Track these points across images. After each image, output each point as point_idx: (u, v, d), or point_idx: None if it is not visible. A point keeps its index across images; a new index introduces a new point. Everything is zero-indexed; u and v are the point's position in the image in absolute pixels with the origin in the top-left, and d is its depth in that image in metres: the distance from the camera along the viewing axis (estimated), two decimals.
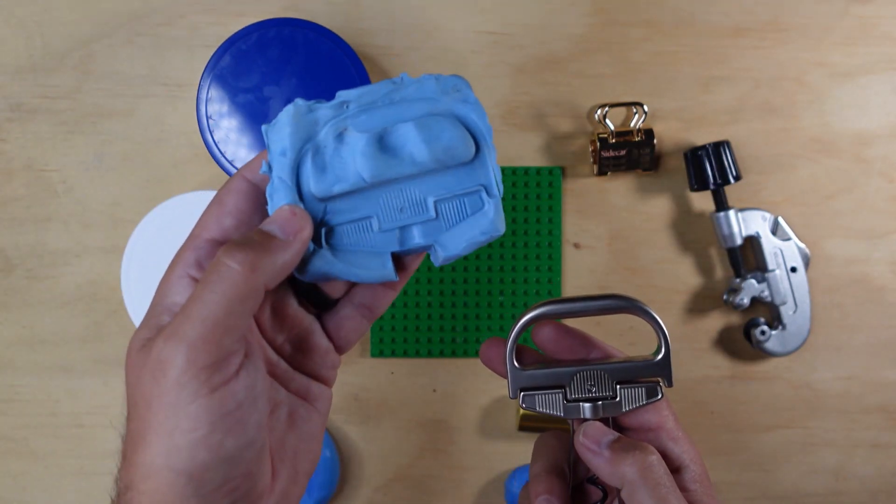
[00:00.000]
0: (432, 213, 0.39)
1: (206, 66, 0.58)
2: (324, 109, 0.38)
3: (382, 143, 0.38)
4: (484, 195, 0.39)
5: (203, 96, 0.58)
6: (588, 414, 0.42)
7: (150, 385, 0.35)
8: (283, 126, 0.38)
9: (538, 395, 0.41)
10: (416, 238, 0.39)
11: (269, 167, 0.38)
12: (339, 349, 0.43)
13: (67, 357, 0.63)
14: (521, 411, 0.61)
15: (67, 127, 0.62)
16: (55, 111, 0.62)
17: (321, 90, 0.59)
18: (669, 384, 0.43)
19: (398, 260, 0.40)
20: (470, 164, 0.39)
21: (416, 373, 0.63)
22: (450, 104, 0.39)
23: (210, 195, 0.57)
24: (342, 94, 0.39)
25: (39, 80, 0.62)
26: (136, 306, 0.58)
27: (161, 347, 0.35)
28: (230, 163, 0.58)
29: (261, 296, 0.36)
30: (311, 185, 0.38)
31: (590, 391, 0.41)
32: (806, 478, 0.64)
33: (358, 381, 0.63)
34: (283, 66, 0.58)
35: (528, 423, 0.61)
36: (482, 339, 0.62)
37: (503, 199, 0.42)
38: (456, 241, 0.39)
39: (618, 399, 0.42)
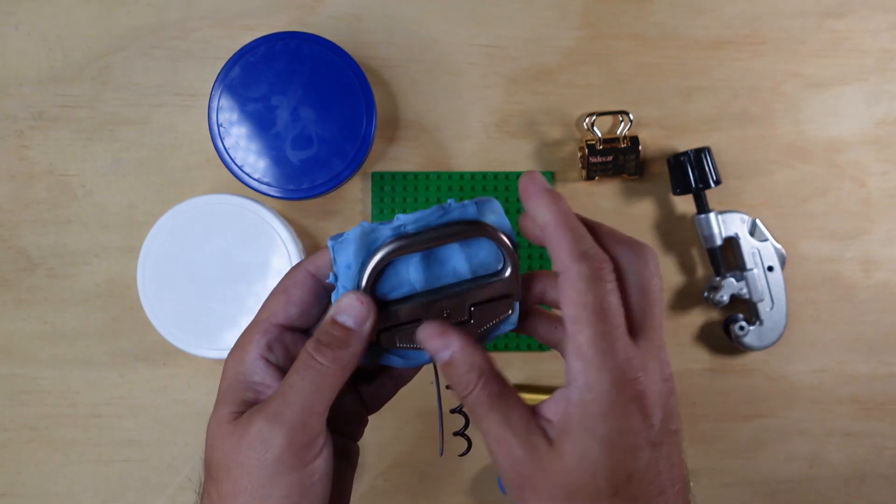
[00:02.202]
0: (467, 317, 0.43)
1: (217, 77, 0.59)
2: (384, 229, 0.42)
3: (431, 259, 0.42)
4: (511, 301, 0.43)
5: (214, 105, 0.59)
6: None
7: (249, 456, 0.39)
8: (350, 243, 0.41)
9: (396, 331, 0.42)
10: None
11: (336, 277, 0.41)
12: (370, 411, 0.47)
13: (86, 351, 0.63)
14: None
15: (87, 134, 0.63)
16: (75, 119, 0.62)
17: (326, 99, 0.59)
18: (517, 297, 0.43)
19: None
20: (501, 277, 0.43)
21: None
22: (487, 224, 0.43)
23: (221, 199, 0.58)
24: (400, 218, 0.42)
25: (60, 90, 0.62)
26: (151, 303, 0.58)
27: (262, 425, 0.39)
28: (240, 168, 0.59)
29: (343, 382, 0.40)
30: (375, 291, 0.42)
31: (443, 314, 0.42)
32: (782, 465, 0.65)
33: None
34: (290, 77, 0.59)
35: None
36: None
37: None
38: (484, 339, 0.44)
39: (475, 322, 0.43)
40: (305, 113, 0.59)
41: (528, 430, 0.40)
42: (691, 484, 0.64)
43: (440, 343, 0.41)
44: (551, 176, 0.64)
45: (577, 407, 0.38)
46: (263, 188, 0.59)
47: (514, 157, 0.64)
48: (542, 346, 0.64)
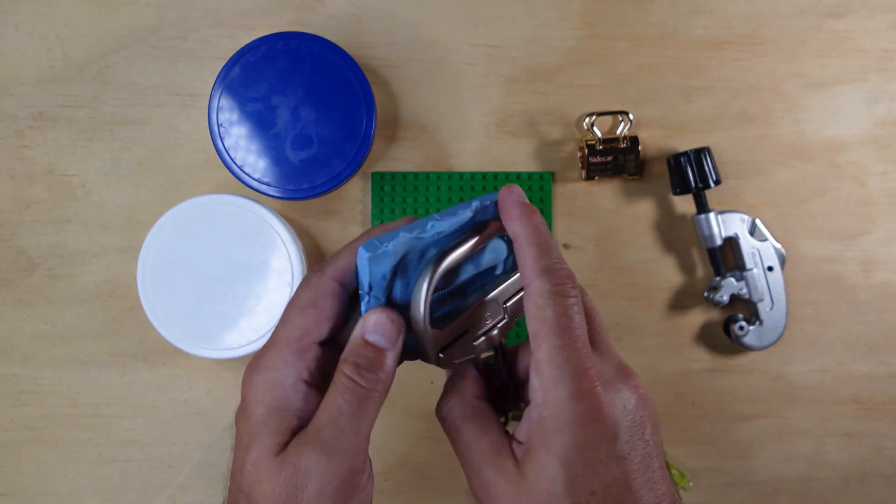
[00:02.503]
0: (506, 316, 0.44)
1: (217, 77, 0.59)
2: (424, 239, 0.41)
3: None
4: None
5: (214, 105, 0.59)
6: (485, 342, 0.43)
7: (307, 489, 0.37)
8: (389, 257, 0.40)
9: (450, 347, 0.42)
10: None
11: (370, 287, 0.40)
12: None
13: (86, 351, 0.63)
14: None
15: (86, 134, 0.63)
16: (75, 119, 0.62)
17: (326, 99, 0.59)
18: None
19: None
20: (506, 271, 0.44)
21: (415, 366, 0.61)
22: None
23: (221, 199, 0.58)
24: (437, 226, 0.41)
25: (60, 90, 0.62)
26: (151, 303, 0.58)
27: (319, 458, 0.38)
28: (240, 168, 0.59)
29: (383, 401, 0.40)
30: (398, 294, 0.41)
31: (486, 322, 0.43)
32: (782, 465, 0.65)
33: None
34: (290, 77, 0.59)
35: (521, 414, 0.63)
36: None
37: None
38: None
39: (510, 317, 0.43)
40: (305, 113, 0.59)
41: (497, 453, 0.40)
42: (691, 484, 0.64)
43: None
44: (551, 176, 0.64)
45: (536, 425, 0.38)
46: (263, 188, 0.60)
47: (514, 157, 0.64)
48: None
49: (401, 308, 0.41)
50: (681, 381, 0.64)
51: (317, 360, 0.40)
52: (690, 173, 0.61)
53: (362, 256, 0.40)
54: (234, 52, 0.59)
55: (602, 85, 0.63)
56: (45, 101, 0.63)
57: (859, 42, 0.64)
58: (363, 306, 0.41)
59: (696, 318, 0.64)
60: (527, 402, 0.41)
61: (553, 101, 0.63)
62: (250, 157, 0.59)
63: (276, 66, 0.59)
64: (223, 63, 0.60)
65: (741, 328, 0.62)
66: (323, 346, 0.41)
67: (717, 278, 0.63)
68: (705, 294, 0.64)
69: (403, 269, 0.41)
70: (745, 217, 0.63)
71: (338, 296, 0.41)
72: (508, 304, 0.44)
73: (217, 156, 0.61)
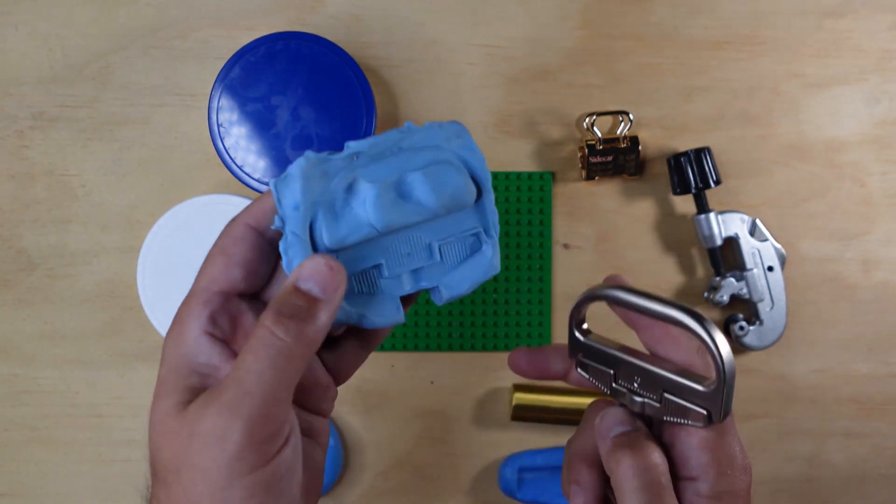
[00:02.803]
0: (437, 257, 0.39)
1: (217, 77, 0.58)
2: (335, 161, 0.37)
3: (393, 193, 0.37)
4: (483, 237, 0.39)
5: (214, 105, 0.59)
6: (633, 404, 0.38)
7: (202, 456, 0.33)
8: (295, 180, 0.36)
9: (591, 365, 0.39)
10: (423, 281, 0.39)
11: (282, 221, 0.36)
12: (338, 381, 0.41)
13: (86, 351, 0.63)
14: (514, 402, 0.62)
15: (87, 134, 0.63)
16: (75, 119, 0.62)
17: (326, 99, 0.59)
18: (715, 419, 0.36)
19: (401, 298, 0.40)
20: (471, 209, 0.39)
21: (415, 366, 0.64)
22: (453, 150, 0.39)
23: (221, 199, 0.57)
24: (352, 146, 0.37)
25: (60, 90, 0.62)
26: (151, 303, 0.58)
27: (216, 419, 0.33)
28: (240, 168, 0.59)
29: (308, 361, 0.35)
30: (325, 237, 0.36)
31: (634, 384, 0.38)
32: (782, 465, 0.65)
33: (360, 373, 0.60)
34: (290, 77, 0.59)
35: (521, 414, 0.62)
36: (477, 334, 0.63)
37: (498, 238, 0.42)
38: (460, 283, 0.39)
39: (661, 407, 0.37)
40: (305, 113, 0.59)
41: None
42: None
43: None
44: (551, 176, 0.64)
45: None
46: (263, 188, 0.59)
47: (514, 157, 0.64)
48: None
49: (335, 255, 0.37)
50: None
51: (225, 312, 0.36)
52: (690, 173, 0.61)
53: (270, 186, 0.36)
54: (234, 52, 0.59)
55: (602, 85, 0.63)
56: (45, 101, 0.63)
57: (859, 42, 0.64)
58: (281, 245, 0.36)
59: None
60: None
61: (553, 101, 0.63)
62: (250, 157, 0.59)
63: (276, 66, 0.59)
64: (223, 63, 0.60)
65: (741, 328, 0.62)
66: (238, 299, 0.37)
67: (717, 278, 0.63)
68: (705, 294, 0.64)
69: (329, 206, 0.37)
70: (745, 217, 0.63)
71: (250, 241, 0.37)
72: (444, 247, 0.39)
73: (217, 156, 0.61)
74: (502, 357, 0.64)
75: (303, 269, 0.35)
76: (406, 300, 0.40)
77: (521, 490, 0.63)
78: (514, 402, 0.63)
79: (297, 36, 0.59)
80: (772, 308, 0.62)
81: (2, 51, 0.62)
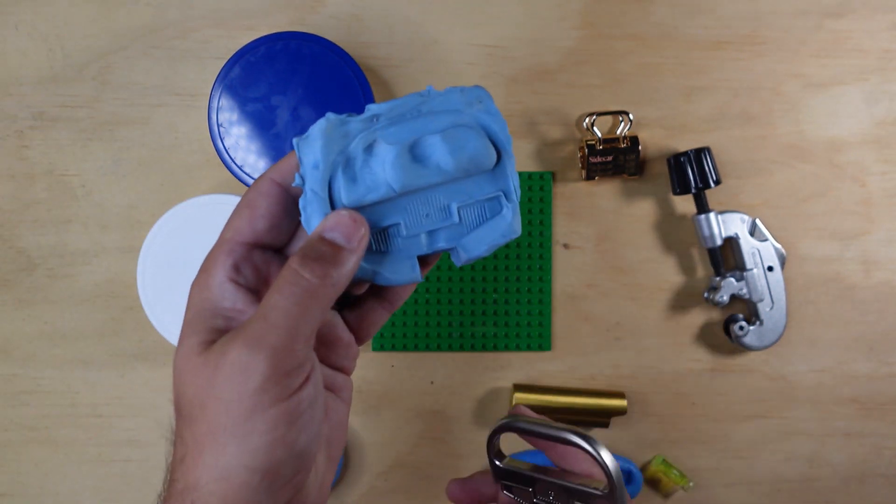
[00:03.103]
0: (456, 219, 0.39)
1: (217, 77, 0.58)
2: (354, 123, 0.38)
3: (411, 155, 0.38)
4: (503, 200, 0.40)
5: (214, 105, 0.59)
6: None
7: (226, 388, 0.34)
8: (315, 140, 0.37)
9: (514, 486, 0.43)
10: (441, 242, 0.39)
11: (302, 179, 0.37)
12: (360, 340, 0.42)
13: (86, 351, 0.63)
14: (514, 402, 0.62)
15: (87, 134, 0.63)
16: (75, 119, 0.62)
17: (326, 99, 0.59)
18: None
19: (420, 259, 0.40)
20: (491, 172, 0.39)
21: (415, 366, 0.64)
22: (474, 115, 0.39)
23: (221, 199, 0.57)
24: (372, 108, 0.38)
25: (60, 90, 0.62)
26: (151, 303, 0.58)
27: (241, 352, 0.34)
28: (240, 168, 0.58)
29: (331, 304, 0.36)
30: (343, 195, 0.37)
31: (549, 496, 0.42)
32: (782, 465, 0.65)
33: (360, 373, 0.64)
34: (290, 77, 0.59)
35: None
36: (477, 334, 0.64)
37: (519, 202, 0.42)
38: (477, 244, 0.40)
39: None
40: (305, 113, 0.59)
41: None
42: (691, 484, 0.65)
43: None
44: (551, 176, 0.64)
45: None
46: None
47: (515, 157, 0.63)
48: (541, 346, 0.64)
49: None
50: (681, 381, 0.65)
51: (249, 261, 0.38)
52: (690, 173, 0.61)
53: (293, 145, 0.38)
54: (234, 52, 0.59)
55: (602, 85, 0.64)
56: (45, 101, 0.63)
57: (859, 42, 0.64)
58: (301, 202, 0.38)
59: (696, 318, 0.65)
60: None
61: (553, 101, 0.63)
62: (250, 157, 0.59)
63: (276, 66, 0.59)
64: (223, 63, 0.60)
65: (741, 328, 0.62)
66: (263, 251, 0.38)
67: (717, 278, 0.63)
68: (705, 294, 0.64)
69: (349, 166, 0.38)
70: (746, 217, 0.63)
71: (274, 195, 0.38)
72: (463, 209, 0.39)
73: (217, 156, 0.61)
74: (502, 357, 0.64)
75: (327, 221, 0.37)
76: (425, 262, 0.41)
77: None
78: (514, 402, 0.63)
79: (297, 36, 0.59)
80: (772, 308, 0.62)
81: (2, 51, 0.62)
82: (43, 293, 0.63)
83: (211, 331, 0.36)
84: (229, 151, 0.59)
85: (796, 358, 0.65)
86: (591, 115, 0.61)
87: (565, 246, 0.64)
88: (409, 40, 0.63)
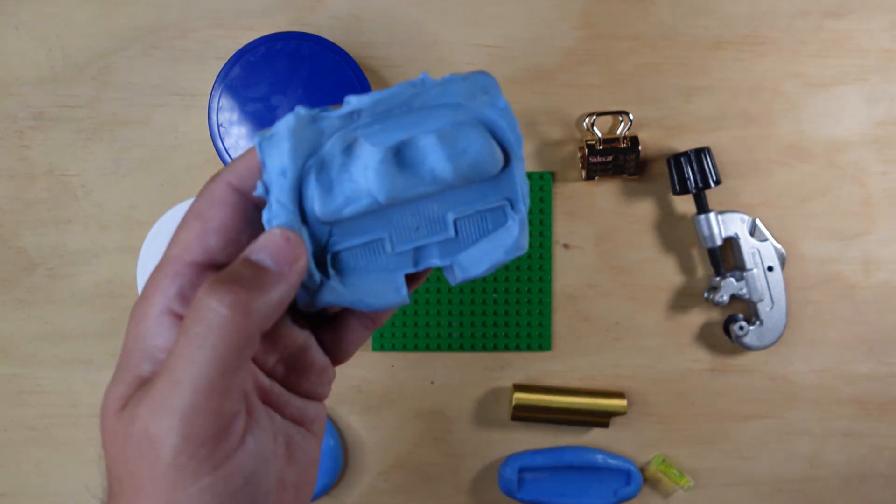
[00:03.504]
0: (451, 233, 0.33)
1: (217, 77, 0.58)
2: (330, 119, 0.31)
3: (399, 159, 0.31)
4: (509, 210, 0.33)
5: (214, 105, 0.59)
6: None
7: (138, 464, 0.28)
8: (282, 140, 0.30)
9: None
10: (433, 258, 0.34)
11: (266, 188, 0.31)
12: (337, 362, 0.36)
13: (87, 351, 0.63)
14: (514, 402, 0.62)
15: (87, 134, 0.63)
16: (75, 119, 0.62)
17: (326, 99, 0.58)
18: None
19: (408, 276, 0.35)
20: (495, 178, 0.33)
21: (415, 366, 0.64)
22: (477, 110, 0.33)
23: None
24: (352, 101, 0.31)
25: (60, 90, 0.62)
26: None
27: (147, 420, 0.28)
28: None
29: (257, 342, 0.29)
30: (316, 207, 0.31)
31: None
32: (782, 465, 0.65)
33: (360, 373, 0.64)
34: (290, 77, 0.59)
35: (521, 414, 0.63)
36: (476, 334, 0.63)
37: (528, 212, 0.35)
38: (476, 262, 0.34)
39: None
40: None
41: None
42: (691, 484, 0.65)
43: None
44: (551, 176, 0.64)
45: None
46: None
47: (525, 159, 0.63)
48: (541, 346, 0.64)
49: (321, 227, 0.31)
50: (681, 381, 0.65)
51: (197, 287, 0.30)
52: (690, 173, 0.61)
53: (255, 143, 0.30)
54: (234, 52, 0.59)
55: (602, 85, 0.64)
56: (45, 101, 0.63)
57: (859, 42, 0.64)
58: (264, 215, 0.31)
59: (696, 318, 0.64)
60: None
61: (553, 101, 0.63)
62: None
63: (276, 66, 0.59)
64: (223, 63, 0.60)
65: (741, 328, 0.62)
66: (216, 272, 0.31)
67: (717, 278, 0.63)
68: (705, 294, 0.64)
69: (324, 171, 0.31)
70: (746, 217, 0.63)
71: (231, 205, 0.31)
72: (461, 220, 0.33)
73: (217, 156, 0.61)
74: (502, 357, 0.64)
75: (257, 241, 0.30)
76: (413, 278, 0.35)
77: (521, 490, 0.63)
78: (514, 402, 0.63)
79: (297, 36, 0.59)
80: (772, 308, 0.62)
81: (2, 51, 0.62)
82: (43, 293, 0.63)
83: (135, 380, 0.30)
84: (229, 151, 0.59)
85: (796, 358, 0.65)
86: (591, 115, 0.62)
87: (565, 246, 0.64)
88: (409, 40, 0.63)
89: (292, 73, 0.59)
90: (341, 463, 0.63)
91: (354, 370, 0.64)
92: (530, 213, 0.63)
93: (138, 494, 0.28)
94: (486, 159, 0.32)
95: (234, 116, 0.59)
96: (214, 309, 0.28)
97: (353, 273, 0.33)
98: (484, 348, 0.64)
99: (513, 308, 0.64)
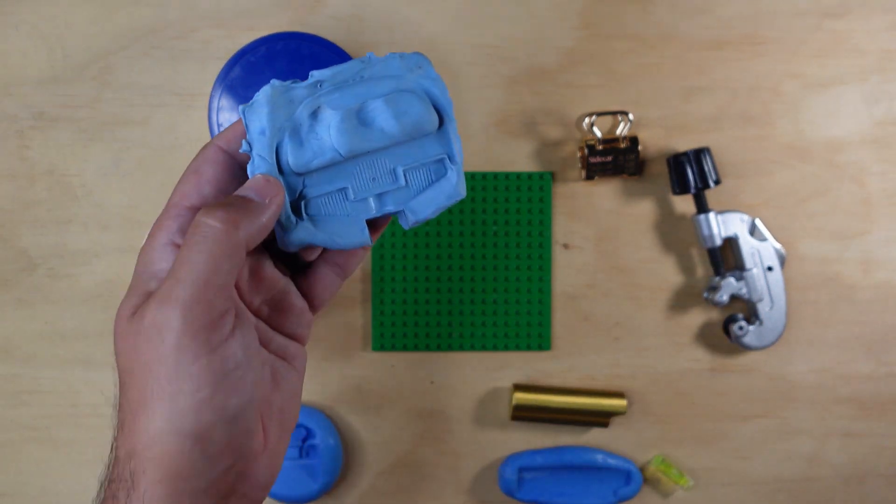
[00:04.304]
0: (402, 181, 0.41)
1: (218, 77, 0.59)
2: (299, 89, 0.39)
3: (356, 119, 0.39)
4: (447, 162, 0.41)
5: (214, 105, 0.59)
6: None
7: (147, 351, 0.34)
8: (261, 106, 0.38)
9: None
10: (388, 205, 0.41)
11: (249, 146, 0.38)
12: (314, 308, 0.42)
13: (87, 351, 0.63)
14: (514, 402, 0.62)
15: (87, 134, 0.63)
16: (75, 119, 0.63)
17: None
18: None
19: (370, 224, 0.42)
20: (435, 135, 0.41)
21: (415, 366, 0.64)
22: (415, 80, 0.41)
23: None
24: (315, 74, 0.39)
25: (61, 90, 0.62)
26: None
27: (155, 312, 0.34)
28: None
29: (243, 253, 0.36)
30: (290, 160, 0.39)
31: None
32: (781, 464, 0.65)
33: (360, 373, 0.64)
34: (290, 77, 0.58)
35: (521, 414, 0.63)
36: (476, 334, 0.64)
37: (464, 165, 0.44)
38: (424, 207, 0.41)
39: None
40: None
41: None
42: (691, 483, 0.65)
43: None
44: (551, 176, 0.64)
45: None
46: None
47: (514, 157, 0.64)
48: (541, 346, 0.64)
49: (295, 179, 0.39)
50: (680, 381, 0.65)
51: None
52: (690, 173, 0.61)
53: (240, 112, 0.39)
54: (235, 52, 0.59)
55: (602, 85, 0.64)
56: (45, 101, 0.63)
57: (859, 42, 0.64)
58: (249, 168, 0.39)
59: (696, 318, 0.65)
60: None
61: (553, 101, 0.63)
62: None
63: (276, 66, 0.59)
64: (223, 63, 0.60)
65: (741, 328, 0.62)
66: None
67: (717, 278, 0.63)
68: (705, 294, 0.64)
69: (295, 131, 0.39)
70: (745, 217, 0.63)
71: (221, 162, 0.39)
72: (409, 171, 0.41)
73: None
74: (502, 357, 0.64)
75: (246, 184, 0.37)
76: (375, 226, 0.42)
77: (521, 490, 0.63)
78: (514, 402, 0.63)
79: (297, 36, 0.59)
80: (771, 308, 0.62)
81: (2, 51, 0.62)
82: (43, 293, 0.63)
83: (143, 294, 0.36)
84: None
85: (796, 358, 0.65)
86: (590, 115, 0.62)
87: (565, 246, 0.64)
88: (409, 40, 0.63)
89: (292, 74, 0.59)
90: (342, 462, 0.63)
91: (354, 370, 0.64)
92: (530, 212, 0.63)
93: (147, 377, 0.34)
94: (424, 118, 0.40)
95: (234, 116, 0.59)
96: (209, 224, 0.35)
97: (324, 218, 0.40)
98: (484, 348, 0.64)
99: (513, 308, 0.64)
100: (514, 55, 0.63)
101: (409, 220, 0.42)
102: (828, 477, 0.65)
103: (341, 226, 0.40)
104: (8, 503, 0.64)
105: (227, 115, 0.59)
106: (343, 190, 0.40)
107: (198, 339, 0.34)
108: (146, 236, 0.38)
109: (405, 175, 0.41)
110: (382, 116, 0.39)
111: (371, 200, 0.41)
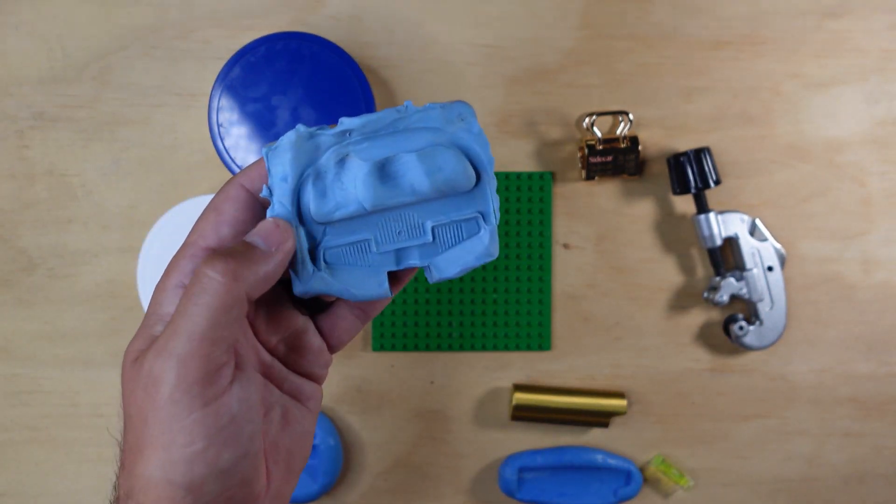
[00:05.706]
0: (429, 237, 0.38)
1: (217, 77, 0.58)
2: (325, 136, 0.37)
3: (384, 172, 0.37)
4: (481, 222, 0.39)
5: (214, 105, 0.58)
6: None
7: (143, 399, 0.34)
8: (285, 151, 0.36)
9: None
10: (413, 259, 0.39)
11: (270, 191, 0.37)
12: (332, 348, 0.41)
13: (87, 351, 0.63)
14: (514, 402, 0.62)
15: (87, 134, 0.63)
16: (75, 119, 0.63)
17: (326, 99, 0.59)
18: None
19: (392, 275, 0.40)
20: (469, 193, 0.38)
21: (415, 366, 0.64)
22: (454, 134, 0.38)
23: None
24: (345, 122, 0.37)
25: (60, 90, 0.62)
26: None
27: (152, 362, 0.34)
28: (240, 168, 0.58)
29: (244, 305, 0.35)
30: (312, 209, 0.37)
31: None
32: (781, 464, 0.65)
33: (360, 373, 0.64)
34: (290, 77, 0.59)
35: (521, 414, 0.63)
36: (476, 334, 0.64)
37: (498, 224, 0.41)
38: (451, 265, 0.39)
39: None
40: (305, 113, 0.59)
41: None
42: (691, 483, 0.65)
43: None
44: (551, 176, 0.64)
45: None
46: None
47: (514, 157, 0.64)
48: (541, 346, 0.64)
49: (316, 227, 0.37)
50: (681, 381, 0.65)
51: None
52: (690, 173, 0.61)
53: (263, 154, 0.37)
54: (235, 52, 0.59)
55: (602, 85, 0.64)
56: (45, 102, 0.63)
57: (859, 42, 0.64)
58: (268, 215, 0.37)
59: (696, 318, 0.65)
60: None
61: (553, 101, 0.64)
62: (250, 157, 0.59)
63: (276, 66, 0.59)
64: (223, 63, 0.60)
65: (741, 328, 0.62)
66: None
67: (717, 278, 0.63)
68: (705, 294, 0.64)
69: (319, 179, 0.37)
70: (745, 217, 0.63)
71: (242, 201, 0.37)
72: (438, 227, 0.39)
73: (217, 156, 0.61)
74: (502, 357, 0.64)
75: (256, 228, 0.36)
76: (398, 278, 0.40)
77: (521, 490, 0.63)
78: (514, 402, 0.63)
79: (297, 36, 0.59)
80: (771, 308, 0.62)
81: (2, 51, 0.62)
82: (43, 293, 0.63)
83: (148, 339, 0.36)
84: (229, 151, 0.59)
85: (796, 358, 0.65)
86: (590, 115, 0.62)
87: (565, 246, 0.64)
88: (409, 40, 0.63)
89: (292, 74, 0.59)
90: (341, 463, 0.63)
91: (354, 370, 0.64)
92: (530, 212, 0.63)
93: (144, 425, 0.34)
94: (459, 176, 0.37)
95: (234, 116, 0.59)
96: (209, 275, 0.34)
97: (343, 268, 0.38)
98: (484, 348, 0.64)
99: (513, 308, 0.64)
100: (514, 55, 0.63)
101: (433, 276, 0.39)
102: (828, 477, 0.65)
103: (360, 277, 0.38)
104: (8, 503, 0.64)
105: (227, 114, 0.59)
106: (366, 241, 0.38)
107: (191, 392, 0.34)
108: (138, 298, 0.39)
109: (433, 231, 0.39)
110: (414, 172, 0.37)
111: (394, 254, 0.39)
